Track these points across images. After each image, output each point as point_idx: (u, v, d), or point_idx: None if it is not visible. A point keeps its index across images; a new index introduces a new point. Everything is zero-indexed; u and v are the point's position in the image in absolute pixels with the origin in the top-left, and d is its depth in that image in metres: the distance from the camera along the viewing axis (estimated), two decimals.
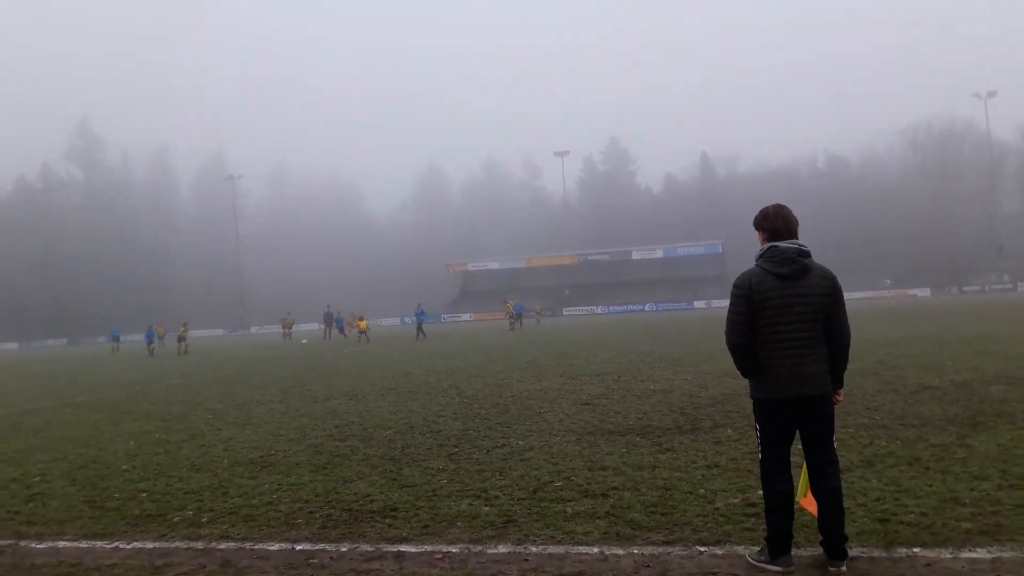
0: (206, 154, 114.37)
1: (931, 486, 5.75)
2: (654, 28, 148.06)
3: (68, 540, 5.82)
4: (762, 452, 4.50)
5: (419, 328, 38.97)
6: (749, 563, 4.40)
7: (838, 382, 4.50)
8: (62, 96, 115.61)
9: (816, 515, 4.48)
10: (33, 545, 5.75)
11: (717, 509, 5.52)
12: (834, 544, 4.30)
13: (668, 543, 4.89)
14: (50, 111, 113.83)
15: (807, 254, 4.38)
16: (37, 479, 8.13)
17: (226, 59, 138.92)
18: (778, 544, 4.33)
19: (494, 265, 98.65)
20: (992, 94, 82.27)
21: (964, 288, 75.54)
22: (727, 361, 15.94)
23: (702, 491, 6.01)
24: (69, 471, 8.44)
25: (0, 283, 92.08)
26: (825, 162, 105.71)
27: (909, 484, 5.84)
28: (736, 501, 5.68)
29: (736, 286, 4.45)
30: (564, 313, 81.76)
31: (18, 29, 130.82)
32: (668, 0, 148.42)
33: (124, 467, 8.49)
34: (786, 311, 4.28)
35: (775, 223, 4.44)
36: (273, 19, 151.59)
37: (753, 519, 5.19)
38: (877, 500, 5.48)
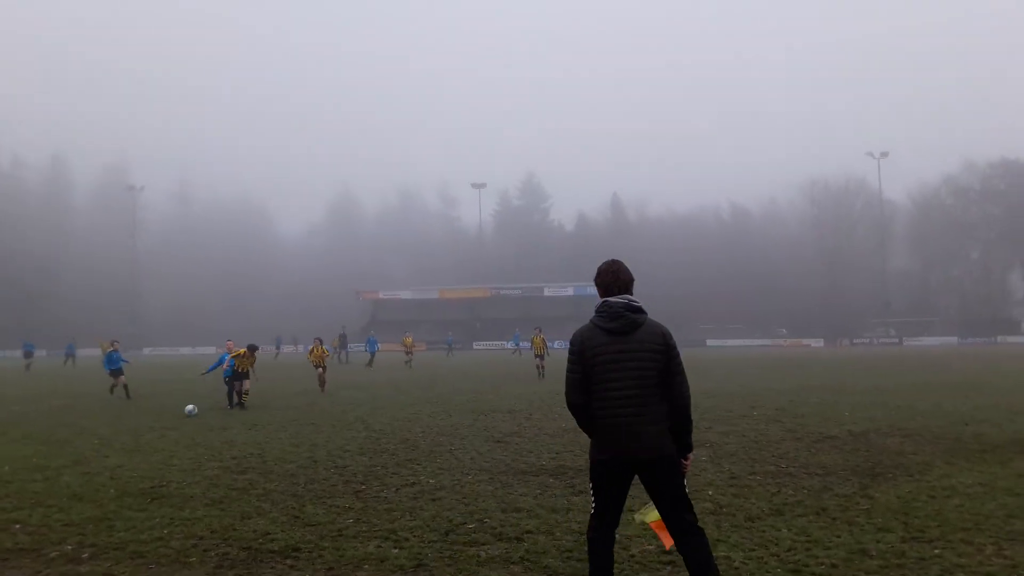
0: (107, 163, 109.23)
1: (839, 537, 5.84)
2: (571, 71, 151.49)
3: None
4: (594, 508, 4.31)
5: (372, 356, 38.91)
6: None
7: (684, 447, 4.22)
8: None
9: (665, 543, 4.43)
10: None
11: (633, 556, 5.44)
12: None
13: None
14: None
15: (638, 309, 4.20)
16: None
17: (133, 66, 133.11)
18: None
19: (406, 294, 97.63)
20: (884, 154, 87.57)
21: (855, 340, 79.36)
22: None
23: (617, 536, 5.90)
24: None
25: None
26: (729, 212, 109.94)
27: (818, 535, 5.91)
28: (651, 548, 5.61)
29: (571, 343, 4.29)
30: (474, 347, 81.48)
31: None
32: (584, 47, 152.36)
33: None
34: (615, 367, 4.09)
35: (605, 278, 4.32)
36: (186, 29, 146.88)
37: (670, 567, 5.13)
38: (789, 551, 5.52)
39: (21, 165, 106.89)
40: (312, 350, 21.45)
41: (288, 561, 5.47)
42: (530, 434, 11.70)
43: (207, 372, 18.64)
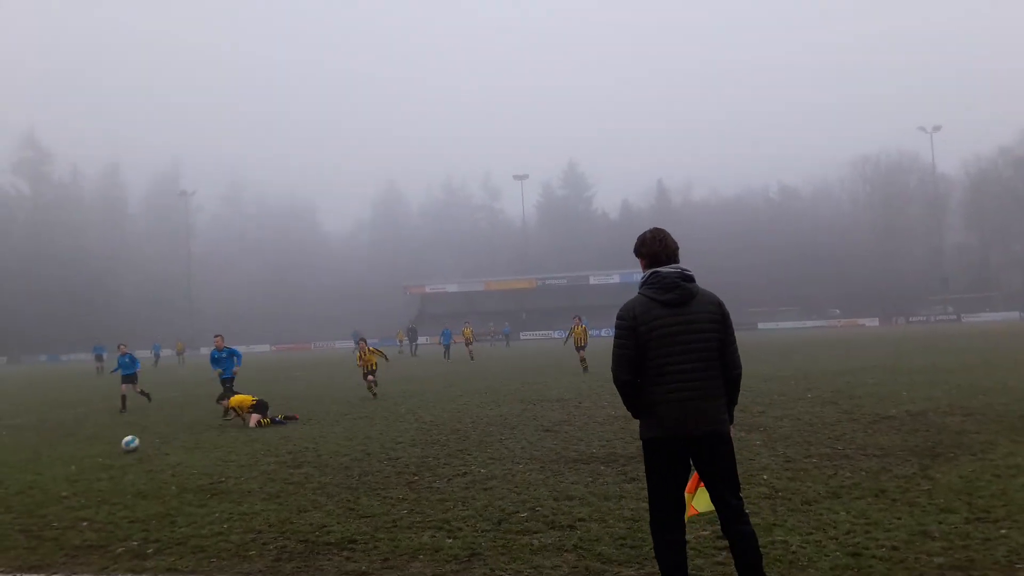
0: (159, 169, 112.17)
1: (899, 519, 5.70)
2: (612, 58, 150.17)
3: (1, 572, 5.43)
4: (650, 498, 4.11)
5: (447, 349, 38.55)
6: None
7: (730, 418, 4.12)
8: (7, 107, 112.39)
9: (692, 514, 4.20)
10: None
11: (687, 542, 5.38)
12: None
13: None
14: None
15: (691, 278, 4.06)
16: None
17: (182, 75, 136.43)
18: None
19: (452, 288, 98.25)
20: (937, 128, 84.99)
21: (911, 318, 77.39)
22: None
23: None
24: (4, 497, 7.98)
25: None
26: (777, 192, 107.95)
27: (877, 517, 5.78)
28: (706, 533, 5.55)
29: (620, 318, 4.06)
30: (521, 337, 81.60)
31: None
32: (625, 35, 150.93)
33: (64, 493, 8.06)
34: (674, 341, 3.93)
35: (653, 247, 4.14)
36: (230, 38, 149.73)
37: (725, 552, 5.07)
38: (847, 533, 5.41)
39: (79, 175, 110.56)
40: (359, 354, 18.31)
41: (345, 553, 5.55)
42: (580, 422, 11.68)
43: (226, 376, 15.83)
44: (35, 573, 5.39)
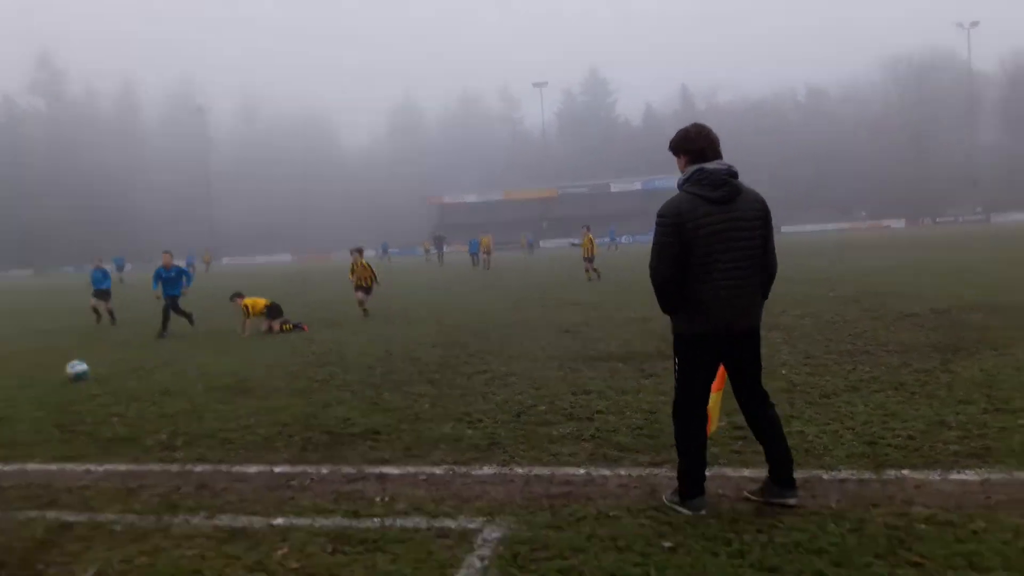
0: (175, 84, 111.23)
1: (917, 410, 5.71)
2: None
3: (36, 463, 5.64)
4: (680, 391, 4.09)
5: (474, 257, 38.12)
6: (664, 504, 4.09)
7: None
8: (21, 28, 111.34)
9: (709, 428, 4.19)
10: None
11: None
12: (787, 474, 4.03)
13: (655, 464, 4.81)
14: (8, 45, 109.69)
15: (736, 174, 3.97)
16: (3, 403, 7.91)
17: None
18: (691, 486, 4.01)
19: (471, 198, 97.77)
20: (975, 24, 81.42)
21: (938, 219, 76.15)
22: None
23: None
24: (37, 396, 8.22)
25: None
26: (805, 94, 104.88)
27: (895, 408, 5.79)
28: (723, 424, 5.60)
29: (661, 215, 3.96)
30: (541, 246, 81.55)
31: None
32: None
33: (95, 392, 8.28)
34: (723, 238, 3.87)
35: (698, 143, 4.01)
36: None
37: (740, 442, 5.12)
38: (865, 424, 5.43)
39: (94, 93, 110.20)
40: (352, 267, 15.87)
41: (368, 443, 5.68)
42: (598, 324, 11.74)
43: (174, 293, 14.70)
44: (69, 463, 5.57)
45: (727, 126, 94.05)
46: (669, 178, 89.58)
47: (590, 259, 23.05)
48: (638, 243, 76.40)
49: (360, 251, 15.91)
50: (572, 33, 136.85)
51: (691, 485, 4.03)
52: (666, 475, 4.58)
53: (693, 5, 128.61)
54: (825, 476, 4.47)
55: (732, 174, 3.97)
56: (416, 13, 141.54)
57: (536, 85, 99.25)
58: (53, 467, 5.51)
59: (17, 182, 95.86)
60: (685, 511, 3.98)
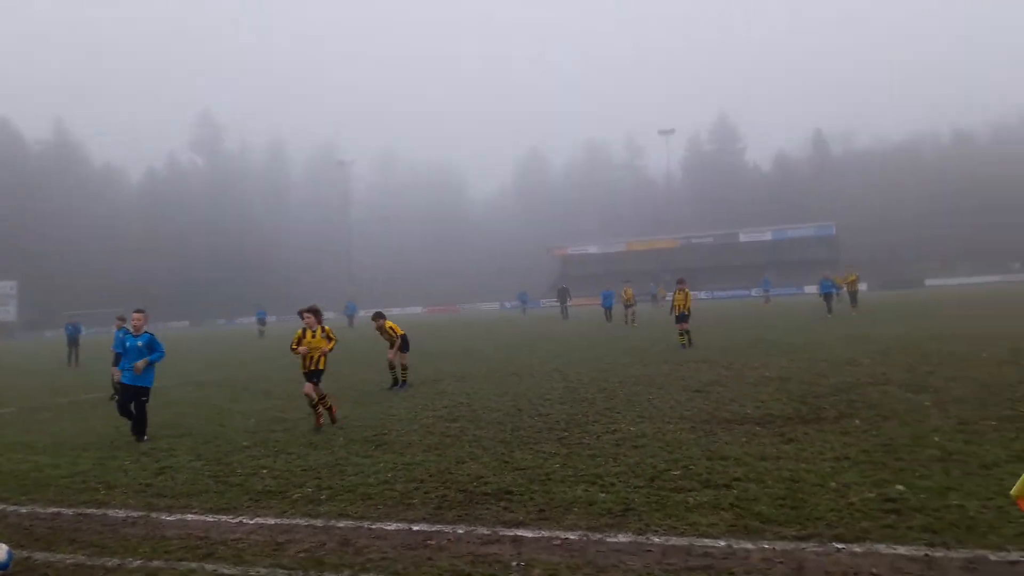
0: (319, 140, 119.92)
1: None
2: (762, 4, 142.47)
3: (195, 513, 6.03)
4: None
5: (608, 311, 35.02)
6: None
7: None
8: (182, 92, 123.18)
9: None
10: (163, 517, 5.98)
11: (852, 504, 5.17)
12: None
13: (801, 538, 4.61)
14: (172, 107, 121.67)
15: None
16: (165, 453, 8.52)
17: (336, 54, 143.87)
18: None
19: (594, 249, 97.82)
20: None
21: None
22: (845, 349, 15.13)
23: (833, 484, 5.65)
24: (194, 446, 8.81)
25: (129, 267, 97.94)
26: (950, 138, 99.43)
27: None
28: (872, 495, 5.31)
29: None
30: (667, 298, 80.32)
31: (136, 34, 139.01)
32: None
33: (245, 443, 8.79)
34: None
35: None
36: (376, 17, 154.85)
37: (893, 516, 4.83)
38: None
39: (248, 149, 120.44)
40: (378, 330, 13.77)
41: (502, 503, 5.74)
42: (731, 383, 11.39)
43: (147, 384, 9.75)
44: (224, 514, 5.93)
45: (865, 172, 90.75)
46: (803, 228, 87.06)
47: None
48: (773, 296, 74.43)
49: (382, 314, 13.85)
50: (699, 79, 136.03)
51: None
52: (813, 550, 4.38)
53: (824, 50, 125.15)
54: (992, 557, 4.15)
55: None
56: (543, 64, 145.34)
57: (662, 133, 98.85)
58: (209, 518, 5.87)
59: (178, 238, 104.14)
60: None
